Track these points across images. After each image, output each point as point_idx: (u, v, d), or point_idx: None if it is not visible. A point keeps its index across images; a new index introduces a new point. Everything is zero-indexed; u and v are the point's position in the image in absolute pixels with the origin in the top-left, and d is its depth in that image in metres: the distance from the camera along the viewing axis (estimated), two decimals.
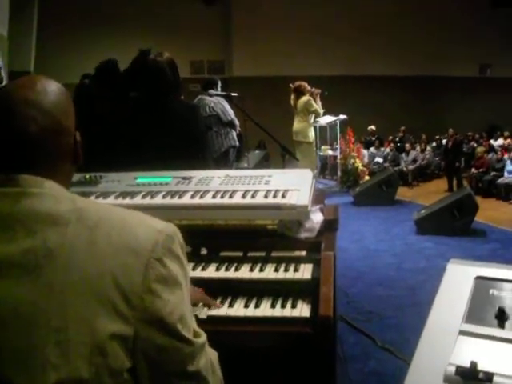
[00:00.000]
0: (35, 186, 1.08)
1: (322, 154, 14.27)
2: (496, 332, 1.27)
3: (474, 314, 1.33)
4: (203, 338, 1.17)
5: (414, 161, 15.62)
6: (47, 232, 1.04)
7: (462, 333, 1.28)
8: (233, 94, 4.97)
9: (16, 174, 1.08)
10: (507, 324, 1.29)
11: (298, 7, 18.49)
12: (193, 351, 1.12)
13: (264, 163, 14.91)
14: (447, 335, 1.27)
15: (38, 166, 1.10)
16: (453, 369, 1.20)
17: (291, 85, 10.18)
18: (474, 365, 1.17)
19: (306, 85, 10.03)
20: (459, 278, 1.41)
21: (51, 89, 1.15)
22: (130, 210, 1.18)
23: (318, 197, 2.82)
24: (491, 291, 1.37)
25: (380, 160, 16.10)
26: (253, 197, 2.50)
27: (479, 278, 1.40)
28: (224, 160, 7.01)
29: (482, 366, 1.18)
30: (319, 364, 2.08)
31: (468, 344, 1.26)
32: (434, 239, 8.10)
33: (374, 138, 17.30)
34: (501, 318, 1.29)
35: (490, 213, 10.19)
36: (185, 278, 1.15)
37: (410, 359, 4.28)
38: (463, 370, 1.19)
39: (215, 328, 1.73)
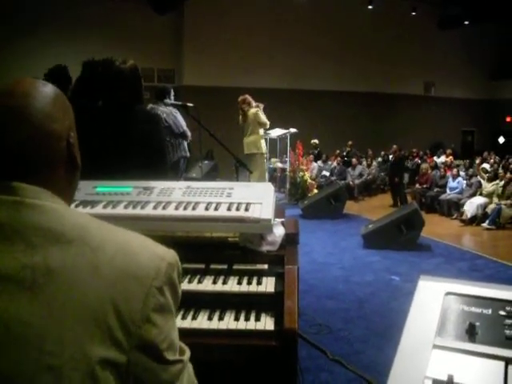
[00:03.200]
0: (34, 197, 1.02)
1: (271, 166, 14.38)
2: (468, 346, 1.32)
3: (446, 328, 1.37)
4: (187, 353, 1.14)
5: (360, 175, 15.90)
6: (48, 249, 0.97)
7: (436, 347, 1.32)
8: (189, 105, 4.89)
9: (10, 181, 1.01)
10: (477, 338, 1.34)
11: (250, 19, 18.67)
12: (180, 369, 1.10)
13: (213, 173, 14.96)
14: (422, 349, 1.30)
15: (30, 174, 1.04)
16: (430, 382, 1.24)
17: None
18: (450, 378, 1.21)
19: (250, 97, 10.12)
20: (430, 293, 1.45)
21: (34, 92, 1.08)
22: (132, 232, 1.12)
23: (279, 210, 2.85)
24: (460, 306, 1.42)
25: (327, 173, 16.34)
26: (216, 209, 2.49)
27: (449, 294, 1.45)
28: (174, 170, 6.93)
29: (458, 379, 1.22)
30: (282, 377, 2.09)
31: (442, 358, 1.29)
32: (381, 253, 8.29)
33: (316, 151, 17.58)
34: (471, 332, 1.34)
35: (434, 228, 10.46)
36: (176, 304, 1.12)
37: (360, 371, 4.33)
38: (440, 383, 1.23)
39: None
